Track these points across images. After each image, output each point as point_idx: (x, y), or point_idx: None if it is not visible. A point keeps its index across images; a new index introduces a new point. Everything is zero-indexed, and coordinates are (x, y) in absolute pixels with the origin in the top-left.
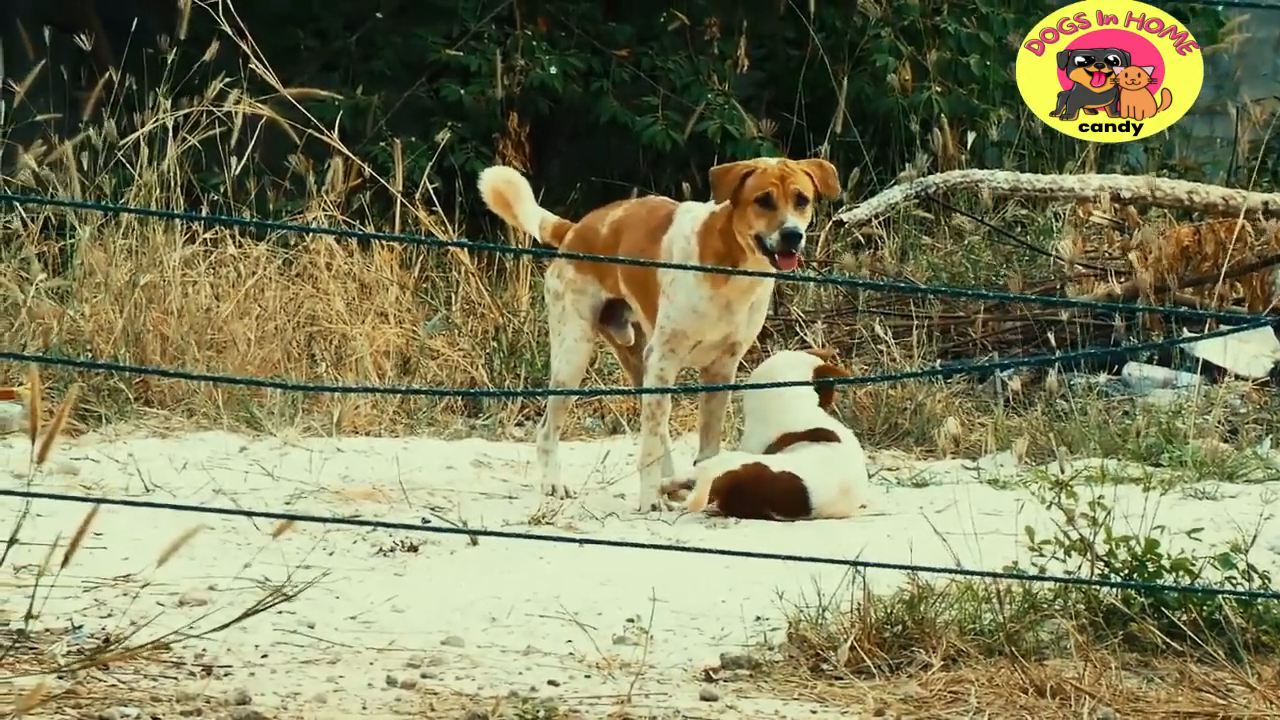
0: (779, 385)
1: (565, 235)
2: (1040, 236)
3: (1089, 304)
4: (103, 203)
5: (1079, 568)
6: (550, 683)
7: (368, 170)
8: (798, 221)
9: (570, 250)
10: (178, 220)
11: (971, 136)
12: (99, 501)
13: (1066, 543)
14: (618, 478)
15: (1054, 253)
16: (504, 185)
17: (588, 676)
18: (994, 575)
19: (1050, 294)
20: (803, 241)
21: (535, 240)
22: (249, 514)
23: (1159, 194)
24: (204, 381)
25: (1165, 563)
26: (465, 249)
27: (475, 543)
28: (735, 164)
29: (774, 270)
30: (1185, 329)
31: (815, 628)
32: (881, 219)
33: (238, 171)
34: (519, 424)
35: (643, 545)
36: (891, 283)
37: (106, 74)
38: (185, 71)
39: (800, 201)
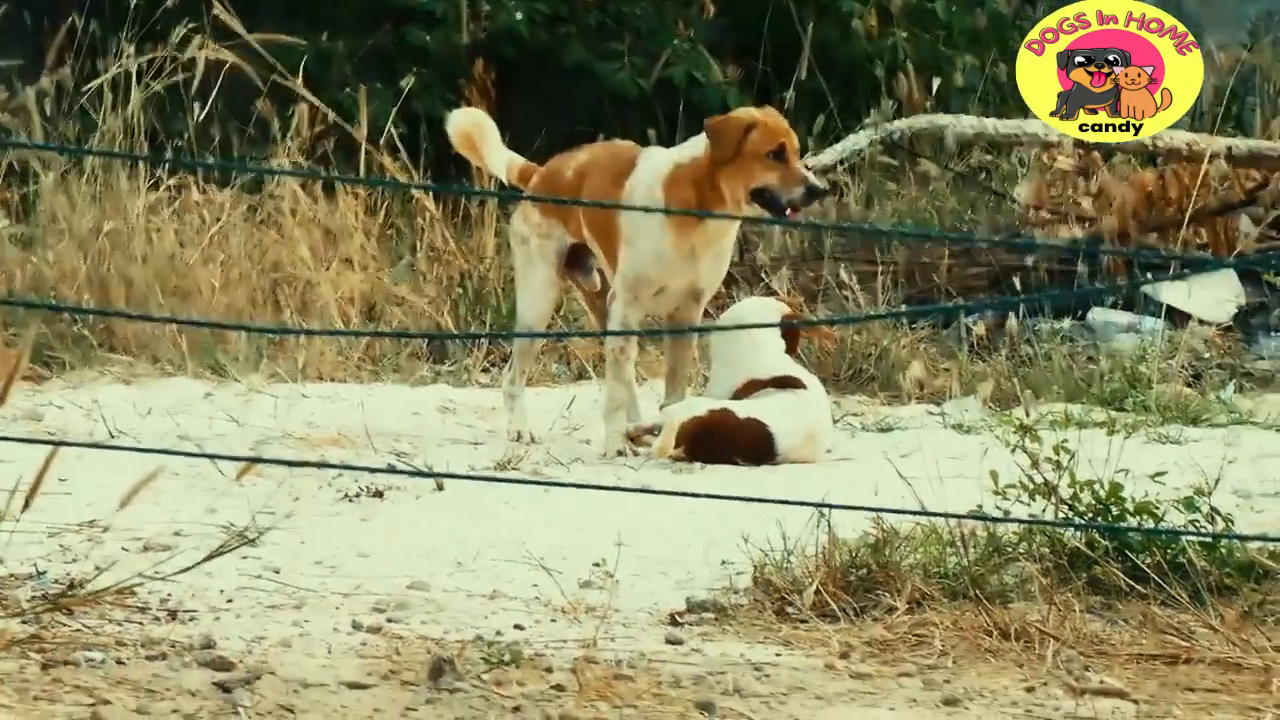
0: (742, 328)
1: (531, 179)
2: (1005, 183)
3: (1053, 246)
4: (66, 146)
5: (1043, 511)
6: (516, 626)
7: (332, 116)
8: (817, 179)
9: (536, 194)
10: (141, 166)
11: (937, 83)
12: (58, 444)
13: (1030, 486)
14: (583, 424)
15: (1013, 198)
16: (471, 127)
17: (553, 620)
18: (958, 517)
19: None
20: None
21: (501, 184)
22: (211, 456)
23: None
24: (168, 326)
25: (1129, 506)
26: (430, 194)
27: (441, 488)
28: (731, 115)
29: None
30: (1149, 275)
31: (780, 571)
32: (846, 165)
33: (201, 118)
34: (484, 370)
35: (607, 488)
36: (855, 225)
37: (70, 19)
38: (149, 17)
39: (799, 154)
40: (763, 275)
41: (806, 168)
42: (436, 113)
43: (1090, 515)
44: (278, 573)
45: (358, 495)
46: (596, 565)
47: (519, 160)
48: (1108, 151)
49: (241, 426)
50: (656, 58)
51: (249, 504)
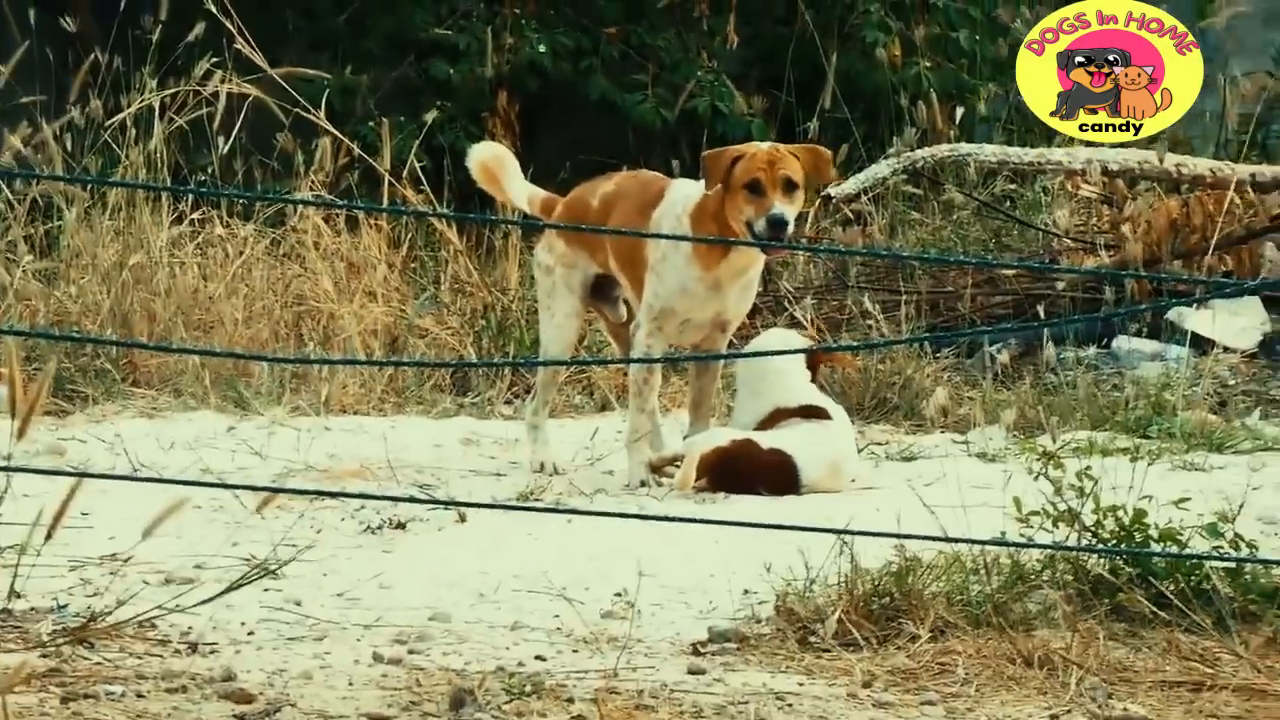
0: (766, 354)
1: (554, 210)
2: (1029, 211)
3: (1076, 270)
4: (89, 176)
5: (1066, 538)
6: (537, 657)
7: (356, 149)
8: (785, 208)
9: (560, 223)
10: (165, 200)
11: (960, 111)
12: (80, 475)
13: (1054, 513)
14: (607, 454)
15: (1046, 225)
16: (491, 160)
17: (575, 651)
18: (980, 543)
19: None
20: (790, 229)
21: (526, 216)
22: (233, 487)
23: (1147, 167)
24: (191, 360)
25: (1153, 532)
26: (453, 227)
27: (463, 519)
28: (726, 148)
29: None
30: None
31: (802, 600)
32: (870, 195)
33: (225, 151)
34: (507, 401)
35: (629, 515)
36: (878, 250)
37: (93, 55)
38: (171, 52)
39: (789, 187)
40: (787, 305)
41: (789, 203)
42: (460, 146)
43: (1114, 541)
44: (299, 605)
45: (380, 527)
46: (618, 595)
47: (540, 193)
48: (1132, 180)
49: (264, 460)
50: (680, 89)
51: (270, 536)
